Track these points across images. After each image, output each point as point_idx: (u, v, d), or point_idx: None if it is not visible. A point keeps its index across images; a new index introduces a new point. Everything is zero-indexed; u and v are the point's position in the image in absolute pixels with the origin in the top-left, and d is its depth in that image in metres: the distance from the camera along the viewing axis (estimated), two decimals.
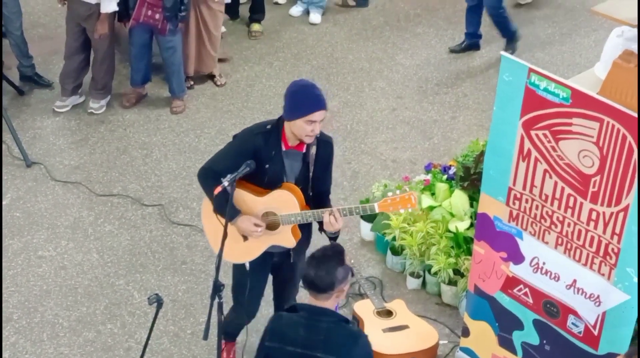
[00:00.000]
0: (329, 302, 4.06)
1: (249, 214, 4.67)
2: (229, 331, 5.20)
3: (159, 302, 4.34)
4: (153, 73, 7.77)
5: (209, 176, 4.70)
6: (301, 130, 4.51)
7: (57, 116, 7.51)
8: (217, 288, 4.44)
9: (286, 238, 4.72)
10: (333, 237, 4.72)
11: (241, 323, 5.18)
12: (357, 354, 3.96)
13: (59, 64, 7.99)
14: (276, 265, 4.99)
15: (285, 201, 4.60)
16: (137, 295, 5.97)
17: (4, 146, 7.07)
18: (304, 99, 4.50)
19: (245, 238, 4.75)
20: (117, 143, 7.29)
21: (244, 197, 4.67)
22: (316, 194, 4.72)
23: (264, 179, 4.60)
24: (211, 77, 7.99)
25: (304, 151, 4.65)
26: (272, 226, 4.70)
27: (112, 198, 6.74)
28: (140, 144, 7.28)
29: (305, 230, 4.78)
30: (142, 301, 5.90)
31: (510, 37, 8.33)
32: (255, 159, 4.56)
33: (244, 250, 4.78)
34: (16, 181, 6.82)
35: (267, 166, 4.60)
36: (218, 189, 4.55)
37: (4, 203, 6.58)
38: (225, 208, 4.59)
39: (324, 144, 4.72)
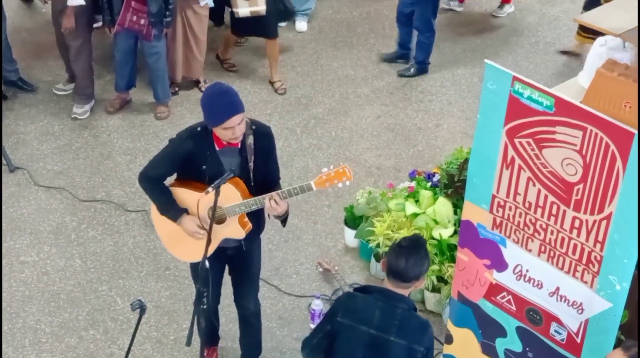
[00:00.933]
0: (406, 291, 4.16)
1: (195, 212, 4.70)
2: (206, 333, 5.18)
3: (142, 308, 4.32)
4: (138, 79, 7.75)
5: (149, 181, 4.76)
6: (223, 136, 4.55)
7: (40, 121, 7.48)
8: (201, 294, 4.43)
9: (235, 230, 4.75)
10: (282, 220, 4.78)
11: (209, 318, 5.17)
12: (425, 342, 4.13)
13: (43, 69, 7.96)
14: (231, 258, 5.01)
15: (228, 194, 4.60)
16: (120, 301, 5.95)
17: None
18: (216, 108, 4.48)
19: None
20: (101, 148, 7.27)
21: (189, 196, 4.69)
22: (261, 184, 4.72)
23: (205, 179, 4.62)
24: (196, 83, 7.99)
25: (240, 146, 4.66)
26: (219, 221, 4.72)
27: (95, 204, 6.71)
28: (124, 150, 7.26)
29: (254, 219, 4.80)
30: (125, 307, 5.88)
31: (420, 64, 8.24)
32: (189, 162, 4.63)
33: (199, 248, 4.75)
34: None
35: (203, 167, 4.62)
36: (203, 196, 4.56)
37: None
38: (169, 210, 4.69)
39: (262, 134, 4.73)
